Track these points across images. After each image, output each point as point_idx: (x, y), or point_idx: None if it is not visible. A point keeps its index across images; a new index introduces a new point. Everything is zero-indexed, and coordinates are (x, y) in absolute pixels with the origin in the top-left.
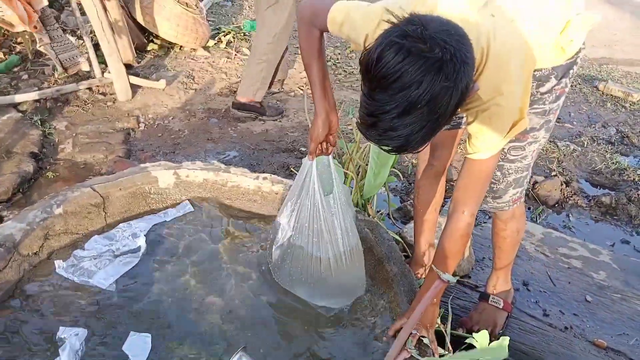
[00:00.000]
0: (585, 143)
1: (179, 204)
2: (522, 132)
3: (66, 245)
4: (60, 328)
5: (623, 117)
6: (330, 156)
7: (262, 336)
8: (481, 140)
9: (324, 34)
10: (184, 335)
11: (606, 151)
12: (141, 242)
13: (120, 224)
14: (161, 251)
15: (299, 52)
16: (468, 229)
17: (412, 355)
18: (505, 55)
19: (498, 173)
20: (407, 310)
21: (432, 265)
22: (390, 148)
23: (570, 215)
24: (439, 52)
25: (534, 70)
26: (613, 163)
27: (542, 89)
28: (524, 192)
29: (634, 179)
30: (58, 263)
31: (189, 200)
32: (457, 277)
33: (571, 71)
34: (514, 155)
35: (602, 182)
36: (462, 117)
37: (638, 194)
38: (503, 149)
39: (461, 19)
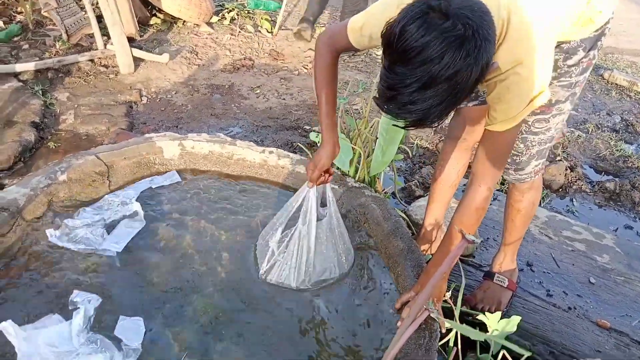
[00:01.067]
0: (590, 130)
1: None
2: (547, 105)
3: (70, 212)
4: (74, 291)
5: (628, 105)
6: (328, 184)
7: (261, 315)
8: (499, 111)
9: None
10: (178, 317)
11: (610, 138)
12: (136, 207)
13: (106, 196)
14: (156, 220)
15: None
16: (485, 202)
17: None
18: (526, 26)
19: (521, 145)
20: (415, 285)
21: (455, 226)
22: (408, 122)
23: (574, 199)
24: (462, 28)
25: (562, 43)
26: (617, 150)
27: (570, 62)
28: (546, 163)
29: (637, 166)
30: (50, 232)
31: (176, 170)
32: (481, 239)
33: (599, 43)
34: (537, 128)
35: (606, 168)
36: None
37: None
38: (527, 121)
39: None
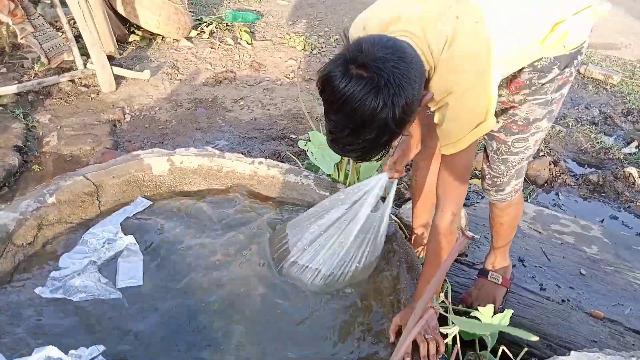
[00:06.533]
0: (570, 124)
1: (172, 191)
2: (525, 124)
3: (61, 235)
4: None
5: (605, 98)
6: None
7: (264, 331)
8: (441, 136)
9: None
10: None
11: (590, 131)
12: (129, 240)
13: (83, 235)
14: (149, 250)
15: None
16: (450, 227)
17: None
18: (459, 59)
19: (502, 167)
20: (405, 308)
21: (461, 230)
22: (354, 159)
23: (559, 193)
24: (376, 79)
25: (535, 62)
26: (598, 142)
27: (543, 80)
28: (523, 181)
29: (618, 157)
30: (40, 290)
31: (143, 196)
32: (479, 235)
33: (575, 61)
34: (517, 148)
35: (589, 161)
36: None
37: (624, 172)
38: (506, 142)
39: (422, 25)
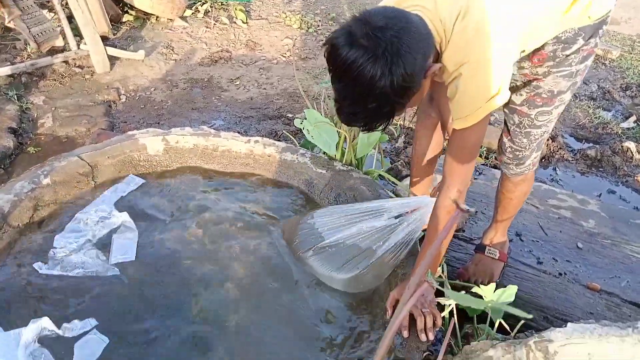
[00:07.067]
0: None
1: (167, 170)
2: (550, 97)
3: (57, 216)
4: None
5: (603, 74)
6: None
7: (265, 311)
8: (453, 110)
9: None
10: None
11: (589, 107)
12: (124, 217)
13: (77, 215)
14: (144, 227)
15: None
16: (454, 205)
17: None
18: (472, 31)
19: (525, 140)
20: (402, 282)
21: (456, 204)
22: (360, 129)
23: (557, 168)
24: (373, 47)
25: (559, 34)
26: (596, 117)
27: (568, 51)
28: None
29: (617, 132)
30: (38, 265)
31: (134, 174)
32: (475, 209)
33: (600, 31)
34: (540, 121)
35: (587, 136)
36: None
37: (622, 146)
38: (529, 114)
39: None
